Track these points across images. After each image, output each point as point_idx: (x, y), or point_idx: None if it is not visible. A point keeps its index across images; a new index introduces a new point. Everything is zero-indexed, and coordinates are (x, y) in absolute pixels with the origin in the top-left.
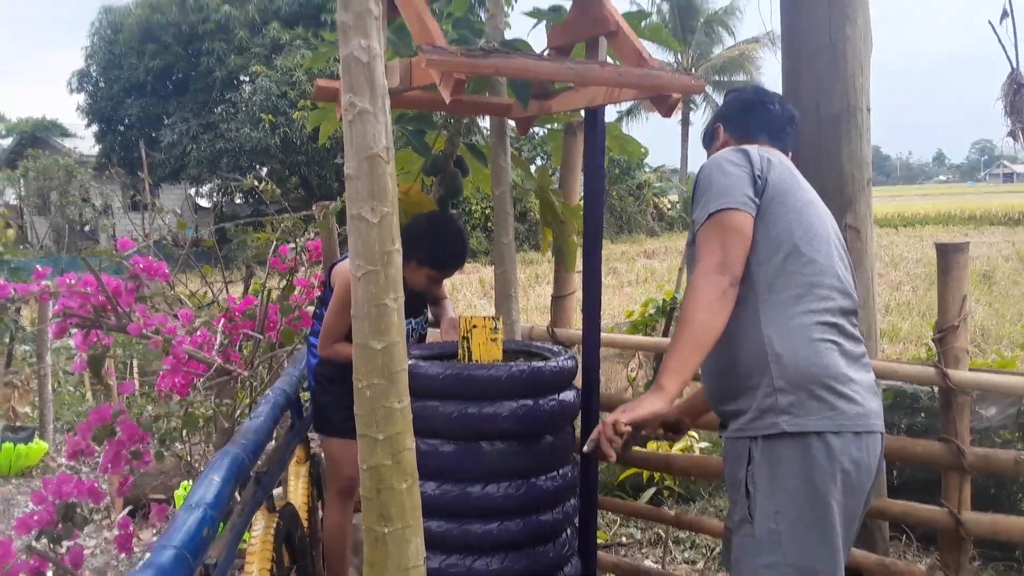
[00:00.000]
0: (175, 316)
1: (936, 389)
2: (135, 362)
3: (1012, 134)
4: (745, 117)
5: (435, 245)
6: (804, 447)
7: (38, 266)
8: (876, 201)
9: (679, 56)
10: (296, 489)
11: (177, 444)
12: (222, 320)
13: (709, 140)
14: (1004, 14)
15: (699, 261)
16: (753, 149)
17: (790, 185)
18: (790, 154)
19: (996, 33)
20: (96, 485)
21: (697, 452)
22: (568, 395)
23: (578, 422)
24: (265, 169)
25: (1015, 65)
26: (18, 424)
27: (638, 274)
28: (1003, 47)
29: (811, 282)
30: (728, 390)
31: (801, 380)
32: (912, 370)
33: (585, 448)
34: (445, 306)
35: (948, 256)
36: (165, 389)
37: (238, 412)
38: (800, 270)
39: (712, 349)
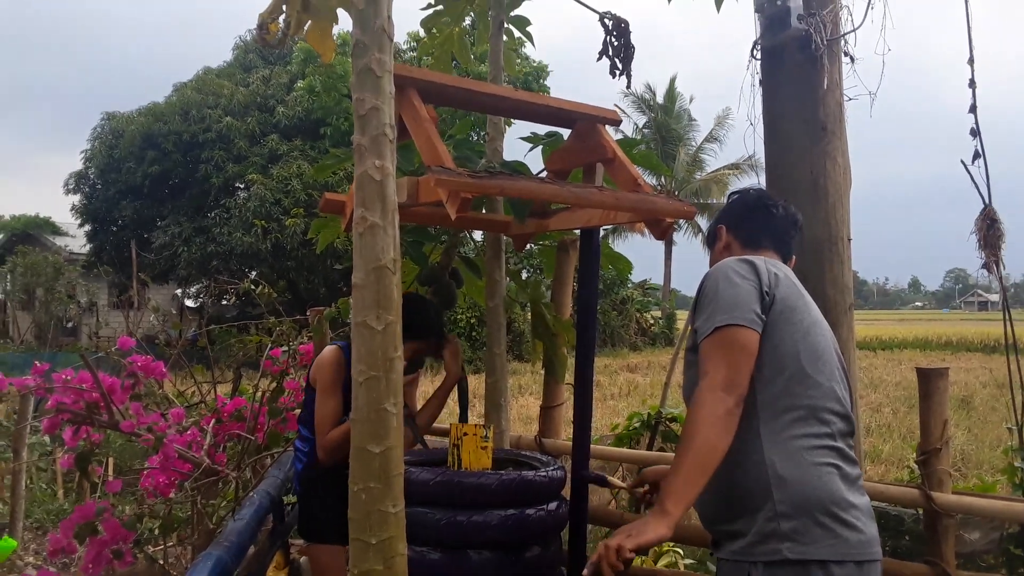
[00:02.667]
0: (165, 415)
1: (921, 511)
2: (111, 460)
3: (986, 266)
4: (749, 220)
5: (419, 317)
6: (806, 575)
7: (37, 362)
8: (855, 325)
9: (663, 180)
10: None
11: (149, 547)
12: (212, 420)
13: (712, 240)
14: (976, 155)
15: (704, 376)
16: (760, 262)
17: (796, 303)
18: (793, 260)
19: (969, 172)
20: None
21: (681, 568)
22: (557, 506)
23: (564, 534)
24: (254, 273)
25: (987, 201)
26: None
27: (621, 388)
28: (976, 186)
29: (814, 405)
30: (726, 510)
31: (805, 505)
32: (897, 492)
33: (585, 572)
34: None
35: (929, 380)
36: (149, 487)
37: (223, 514)
38: (804, 392)
39: None
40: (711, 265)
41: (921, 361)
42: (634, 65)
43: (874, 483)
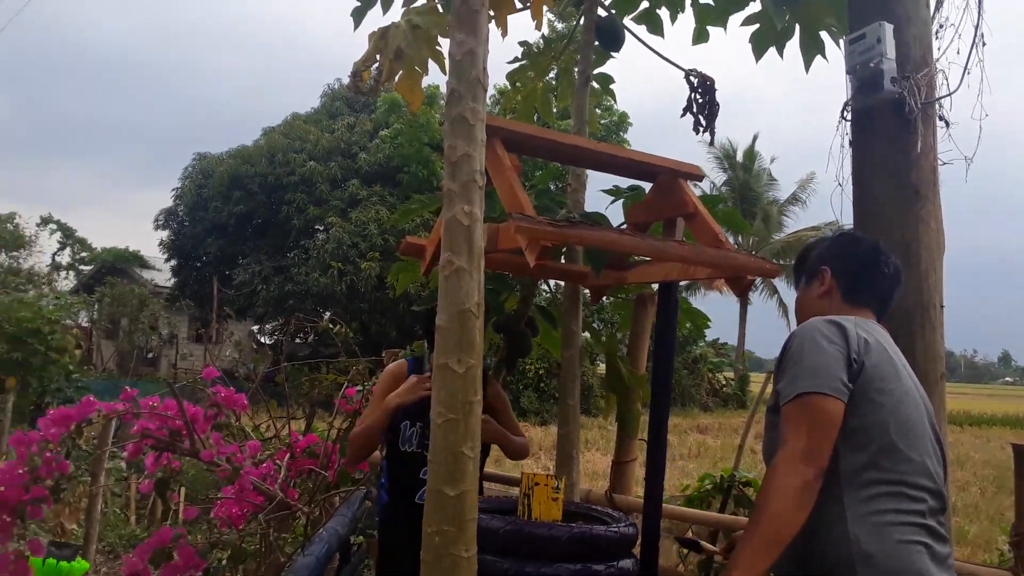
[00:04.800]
0: (242, 447)
1: None
2: (183, 489)
3: None
4: (858, 274)
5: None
6: None
7: (127, 387)
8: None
9: (740, 239)
10: None
11: None
12: (286, 455)
13: (809, 278)
14: None
15: (783, 444)
16: (851, 325)
17: (887, 371)
18: (887, 314)
19: None
20: None
21: None
22: (627, 563)
23: None
24: (328, 313)
25: None
26: (63, 540)
27: (690, 448)
28: None
29: (904, 481)
30: None
31: None
32: (988, 574)
33: None
34: None
35: None
36: (222, 517)
37: (290, 549)
38: (894, 467)
39: None
40: (801, 304)
41: (1012, 439)
42: (717, 123)
43: (963, 563)
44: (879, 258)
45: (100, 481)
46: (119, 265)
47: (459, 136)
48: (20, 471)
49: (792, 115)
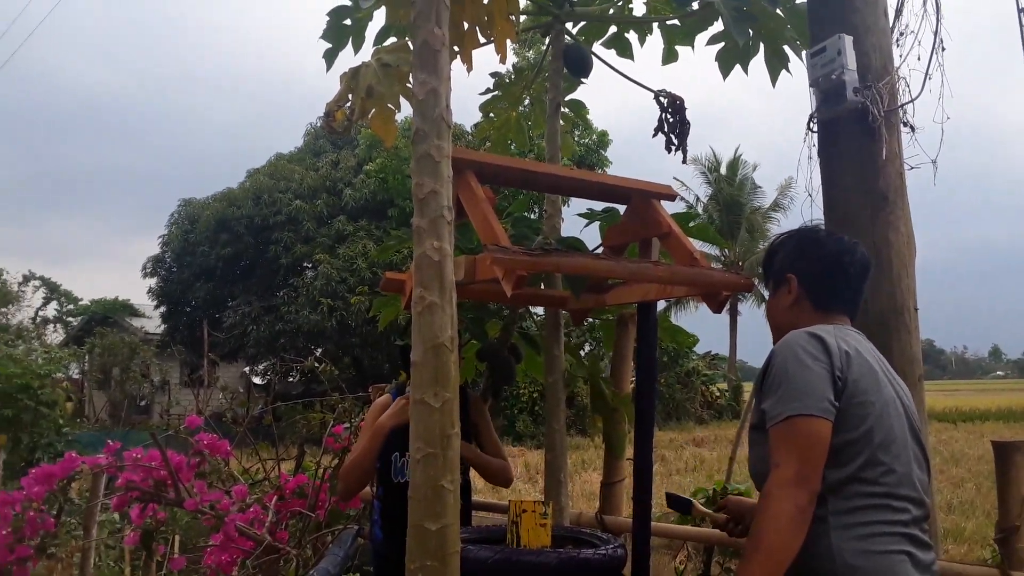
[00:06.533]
0: (228, 492)
1: None
2: (177, 537)
3: None
4: (824, 280)
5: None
6: None
7: (109, 440)
8: (933, 395)
9: (726, 251)
10: None
11: None
12: (274, 498)
13: (776, 285)
14: None
15: (774, 468)
16: (831, 338)
17: (869, 384)
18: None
19: None
20: None
21: None
22: None
23: None
24: (320, 350)
25: None
26: None
27: (687, 462)
28: None
29: (888, 492)
30: None
31: None
32: (975, 572)
33: None
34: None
35: (1006, 455)
36: (211, 565)
37: None
38: (877, 479)
39: None
40: (771, 312)
41: (1005, 433)
42: (698, 135)
43: (952, 563)
44: (843, 259)
45: (92, 535)
46: (109, 316)
47: (425, 173)
48: (3, 532)
49: (771, 121)
